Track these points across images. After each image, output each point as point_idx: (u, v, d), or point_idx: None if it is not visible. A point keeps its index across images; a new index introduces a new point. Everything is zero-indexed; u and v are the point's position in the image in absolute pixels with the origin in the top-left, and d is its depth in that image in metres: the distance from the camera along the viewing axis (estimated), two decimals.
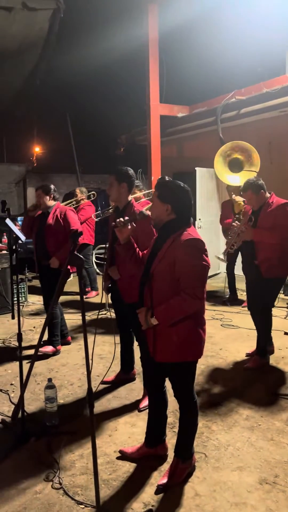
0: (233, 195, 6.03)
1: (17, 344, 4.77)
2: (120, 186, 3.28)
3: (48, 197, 4.42)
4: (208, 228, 7.79)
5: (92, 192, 7.29)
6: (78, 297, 6.87)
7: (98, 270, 7.96)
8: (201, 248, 2.33)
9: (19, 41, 8.10)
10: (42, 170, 15.68)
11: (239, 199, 5.92)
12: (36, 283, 7.86)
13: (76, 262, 2.01)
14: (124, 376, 3.81)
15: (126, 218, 2.61)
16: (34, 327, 5.42)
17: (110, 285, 3.53)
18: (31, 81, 9.70)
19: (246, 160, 5.78)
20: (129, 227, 2.60)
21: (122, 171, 3.30)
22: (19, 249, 3.05)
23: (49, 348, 4.39)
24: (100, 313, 5.80)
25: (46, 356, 4.37)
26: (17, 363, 4.25)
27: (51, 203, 4.45)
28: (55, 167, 15.64)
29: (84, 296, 7.01)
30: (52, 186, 4.48)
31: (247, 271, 4.14)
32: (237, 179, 6.04)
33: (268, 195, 3.93)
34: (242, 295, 6.62)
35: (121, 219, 2.59)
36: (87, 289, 6.99)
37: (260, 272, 3.90)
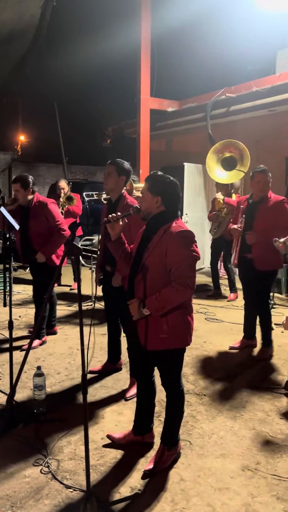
0: (217, 193, 6.15)
1: (1, 334, 4.81)
2: (120, 179, 3.33)
3: (26, 192, 4.22)
4: (194, 224, 7.88)
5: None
6: (65, 288, 6.89)
7: (83, 262, 7.95)
8: (192, 239, 2.41)
9: (10, 28, 7.99)
10: (28, 159, 15.52)
11: (219, 196, 6.06)
12: (21, 273, 7.85)
13: (74, 252, 2.05)
14: (111, 366, 3.87)
15: (119, 213, 2.62)
16: (19, 316, 5.43)
17: (101, 277, 3.58)
18: (20, 69, 9.59)
19: (239, 159, 5.87)
20: (121, 223, 2.60)
21: (122, 165, 3.33)
22: (13, 237, 3.06)
23: (36, 343, 4.41)
24: (85, 304, 5.85)
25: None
26: (3, 351, 4.30)
27: (29, 197, 4.26)
28: (41, 157, 15.52)
29: (69, 288, 6.97)
30: (30, 179, 4.25)
31: (237, 265, 4.28)
32: (224, 176, 6.13)
33: None
34: (225, 290, 6.75)
35: (114, 214, 2.60)
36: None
37: (253, 265, 4.03)
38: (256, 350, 4.41)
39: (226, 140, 6.09)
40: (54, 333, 4.77)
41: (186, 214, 7.88)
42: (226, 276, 6.75)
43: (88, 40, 9.26)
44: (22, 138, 22.41)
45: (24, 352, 4.13)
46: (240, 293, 5.55)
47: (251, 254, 4.05)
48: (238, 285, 6.42)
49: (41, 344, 4.45)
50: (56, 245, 4.28)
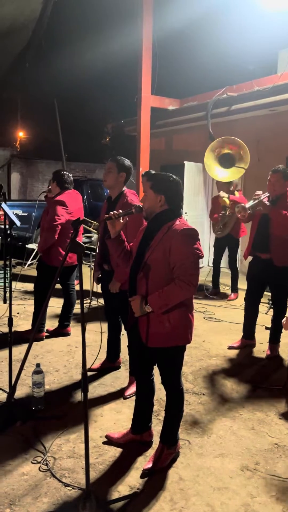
0: (220, 193, 6.13)
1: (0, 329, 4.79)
2: (119, 175, 3.31)
3: (54, 185, 4.40)
4: (194, 223, 7.84)
5: None
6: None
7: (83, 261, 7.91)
8: (196, 237, 2.40)
9: (10, 22, 7.94)
10: (26, 155, 15.47)
11: (223, 194, 6.04)
12: (18, 270, 7.81)
13: (77, 249, 2.03)
14: (110, 364, 3.86)
15: (120, 211, 2.58)
16: (18, 313, 5.40)
17: (100, 275, 3.57)
18: (20, 64, 9.53)
19: (237, 155, 5.85)
20: (122, 220, 2.56)
21: (123, 161, 3.32)
22: (13, 234, 3.05)
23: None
24: (85, 302, 5.82)
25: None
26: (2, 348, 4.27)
27: (55, 190, 4.40)
28: (40, 153, 15.48)
29: None
30: (64, 176, 4.39)
31: (250, 265, 4.28)
32: (226, 174, 6.11)
33: None
34: (224, 289, 6.74)
35: (115, 212, 2.56)
36: None
37: (268, 264, 4.05)
38: (255, 350, 4.41)
39: (222, 138, 6.07)
40: (67, 334, 4.68)
41: (186, 213, 7.86)
42: (225, 274, 6.74)
43: (89, 37, 9.23)
44: (21, 134, 22.33)
45: (20, 350, 4.13)
46: (241, 293, 5.54)
47: (270, 253, 4.04)
48: (240, 285, 6.43)
49: (40, 339, 4.44)
50: (44, 240, 4.29)
